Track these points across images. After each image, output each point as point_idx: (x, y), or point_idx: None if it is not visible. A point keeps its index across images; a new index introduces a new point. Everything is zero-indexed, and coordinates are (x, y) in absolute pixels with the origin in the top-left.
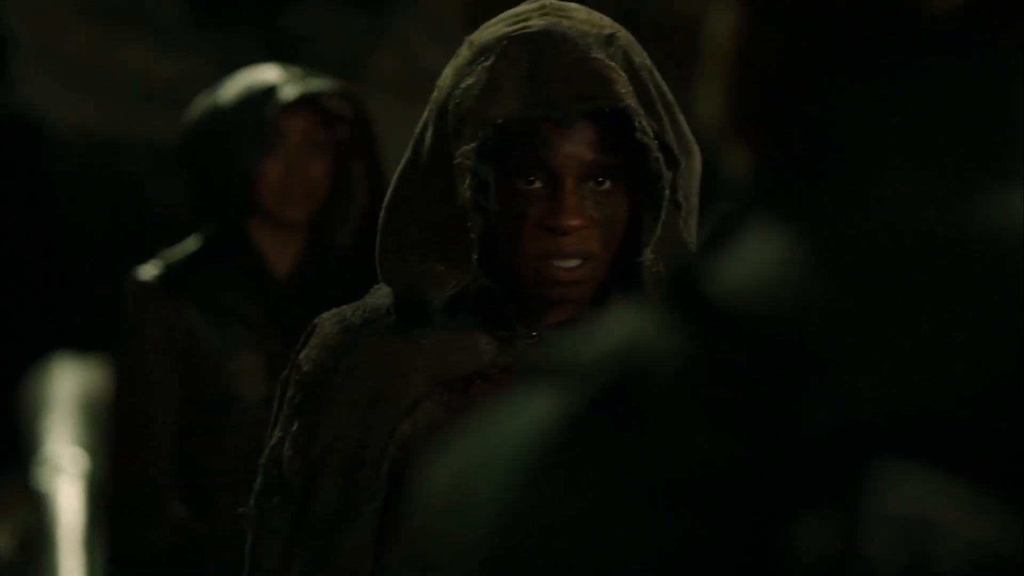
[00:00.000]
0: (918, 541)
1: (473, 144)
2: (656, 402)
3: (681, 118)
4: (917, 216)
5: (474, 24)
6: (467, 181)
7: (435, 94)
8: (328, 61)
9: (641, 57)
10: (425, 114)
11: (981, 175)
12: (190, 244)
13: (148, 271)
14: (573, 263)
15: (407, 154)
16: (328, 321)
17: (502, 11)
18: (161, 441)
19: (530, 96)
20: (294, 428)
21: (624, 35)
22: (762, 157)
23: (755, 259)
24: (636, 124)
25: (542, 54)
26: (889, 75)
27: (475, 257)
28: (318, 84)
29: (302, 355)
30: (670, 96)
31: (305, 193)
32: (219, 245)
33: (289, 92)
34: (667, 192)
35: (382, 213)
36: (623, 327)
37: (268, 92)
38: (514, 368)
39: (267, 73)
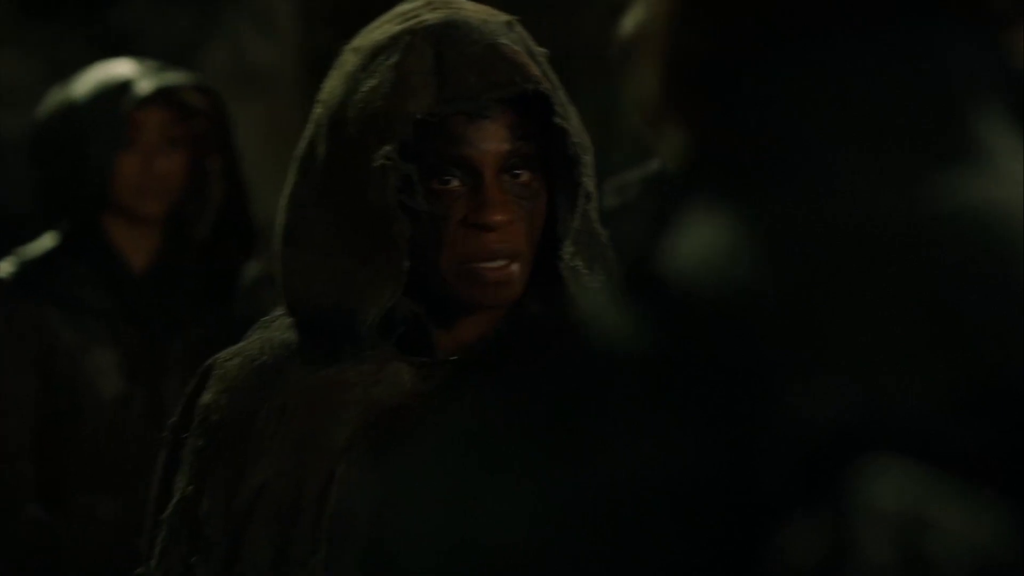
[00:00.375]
0: (912, 539)
1: (394, 144)
2: (619, 396)
3: (573, 108)
4: (869, 202)
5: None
6: (391, 183)
7: (319, 109)
8: (156, 56)
9: (535, 45)
10: (309, 132)
11: (931, 158)
12: (45, 241)
13: (3, 269)
14: (500, 262)
15: (293, 177)
16: (231, 362)
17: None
18: (16, 439)
19: (442, 90)
20: (211, 480)
21: (517, 23)
22: (701, 139)
23: (705, 244)
24: (556, 108)
25: (448, 45)
26: (837, 54)
27: (406, 264)
28: (174, 78)
29: (204, 400)
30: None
31: (161, 188)
32: (74, 242)
33: (145, 86)
34: (584, 180)
35: (277, 241)
36: (576, 315)
37: (123, 86)
38: (436, 397)
39: (121, 67)
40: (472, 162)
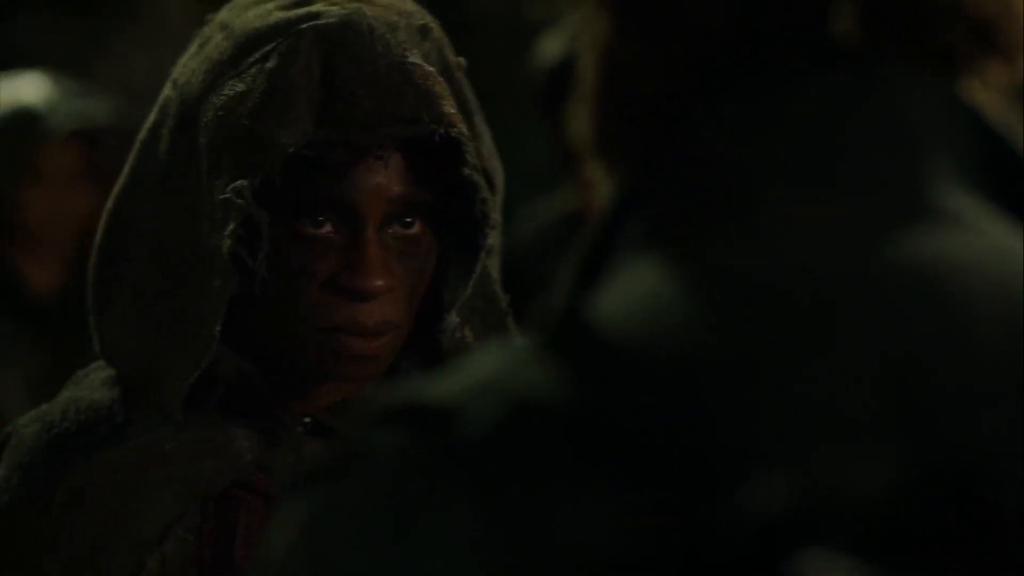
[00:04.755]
0: None
1: (252, 179)
2: (540, 456)
3: (486, 127)
4: (818, 254)
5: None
6: (233, 226)
7: (170, 92)
8: (46, 70)
9: (452, 53)
10: (152, 118)
11: (885, 209)
12: None
13: None
14: (371, 336)
15: (123, 180)
16: (28, 429)
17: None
18: None
19: (327, 111)
20: None
21: (436, 26)
22: (637, 180)
23: (635, 292)
24: (467, 157)
25: (343, 56)
26: (786, 96)
27: (218, 329)
28: (86, 114)
29: None
30: (477, 100)
31: (69, 222)
32: None
33: (56, 123)
34: (489, 242)
35: (92, 262)
36: (486, 362)
37: (31, 119)
38: (285, 470)
39: (32, 91)
40: (352, 207)
